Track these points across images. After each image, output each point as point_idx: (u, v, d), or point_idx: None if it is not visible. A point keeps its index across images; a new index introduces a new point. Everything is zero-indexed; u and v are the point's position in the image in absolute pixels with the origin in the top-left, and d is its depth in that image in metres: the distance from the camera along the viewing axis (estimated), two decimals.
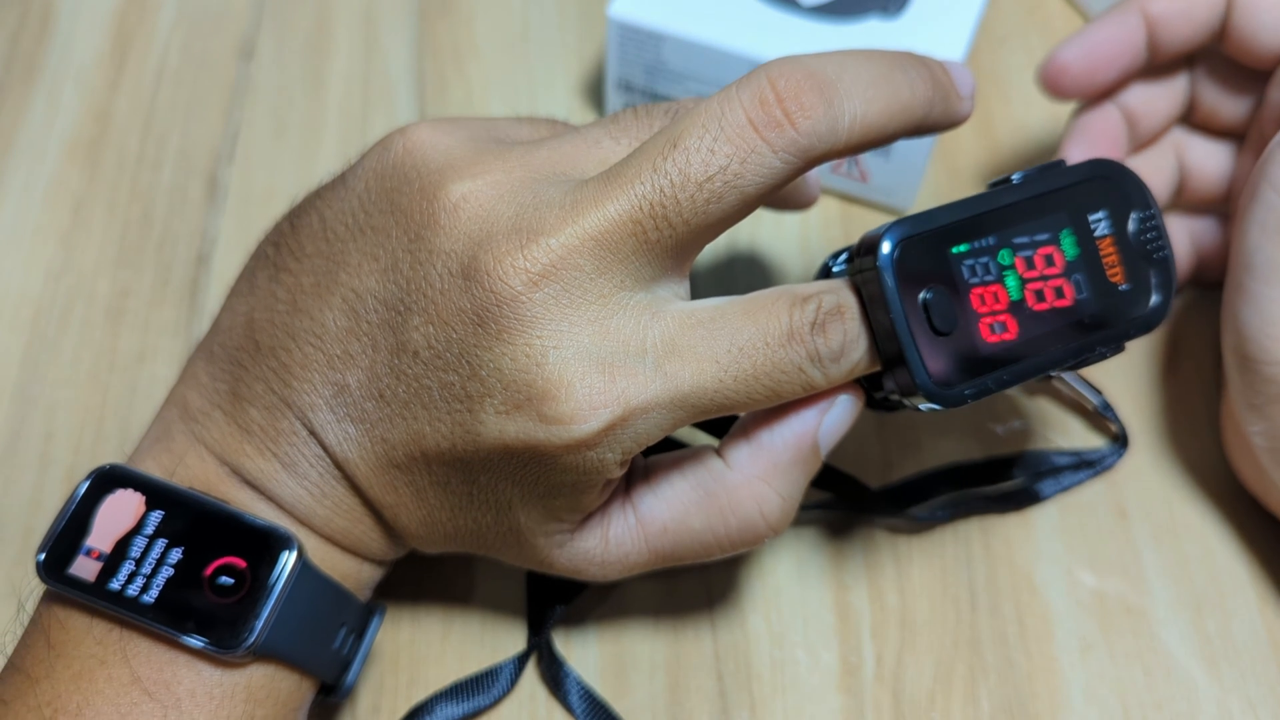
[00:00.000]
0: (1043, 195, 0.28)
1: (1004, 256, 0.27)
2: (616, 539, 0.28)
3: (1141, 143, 0.37)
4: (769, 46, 0.38)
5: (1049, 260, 0.28)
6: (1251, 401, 0.32)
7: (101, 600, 0.25)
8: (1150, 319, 0.29)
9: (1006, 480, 0.36)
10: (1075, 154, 0.35)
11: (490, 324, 0.25)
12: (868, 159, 0.40)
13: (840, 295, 0.27)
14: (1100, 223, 0.28)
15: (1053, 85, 0.35)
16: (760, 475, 0.28)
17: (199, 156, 0.43)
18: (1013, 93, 0.45)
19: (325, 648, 0.28)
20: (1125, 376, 0.38)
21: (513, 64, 0.46)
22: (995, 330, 0.27)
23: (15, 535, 0.35)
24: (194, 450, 0.28)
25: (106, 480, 0.27)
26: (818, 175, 0.32)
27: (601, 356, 0.25)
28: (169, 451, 0.28)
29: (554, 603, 0.33)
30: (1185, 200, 0.38)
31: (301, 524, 0.28)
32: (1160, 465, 0.36)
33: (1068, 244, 0.28)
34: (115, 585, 0.25)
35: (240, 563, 0.26)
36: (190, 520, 0.26)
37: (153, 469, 0.27)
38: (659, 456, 0.29)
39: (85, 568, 0.26)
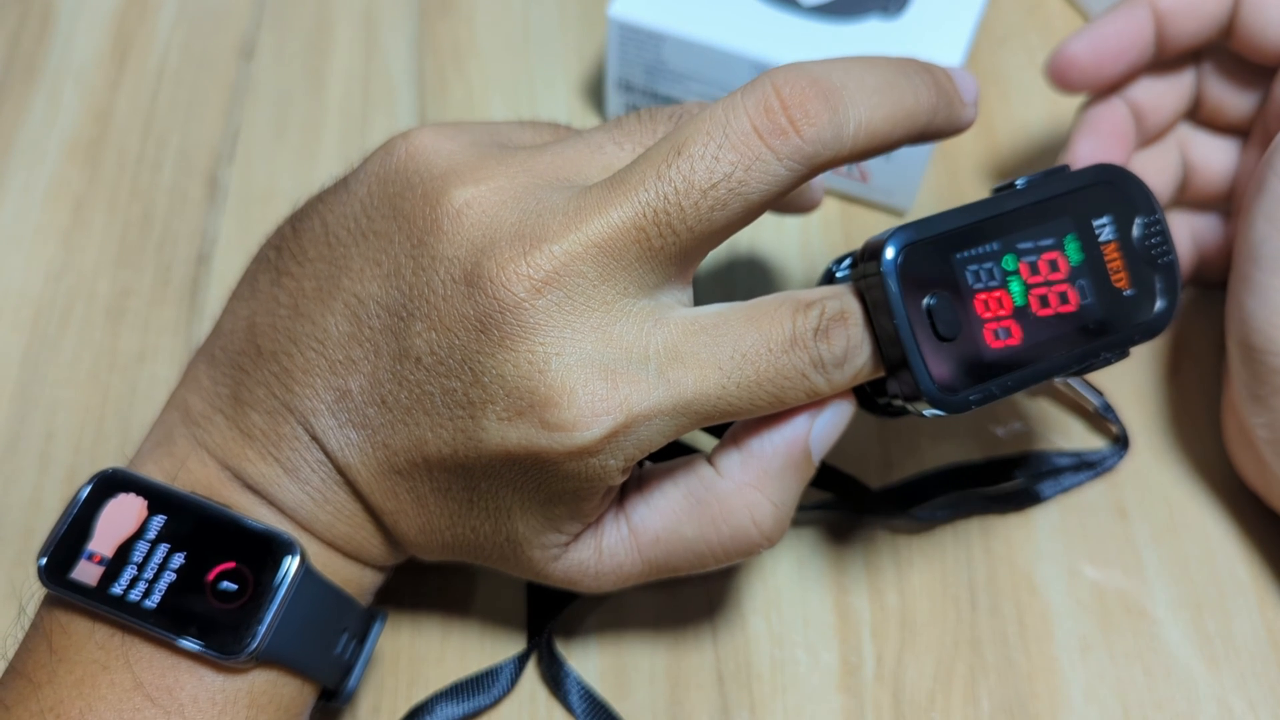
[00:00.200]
0: (1047, 200, 0.28)
1: (1008, 262, 0.27)
2: (610, 550, 0.28)
3: (1147, 138, 0.37)
4: (769, 47, 0.38)
5: (1053, 265, 0.28)
6: (1256, 393, 0.32)
7: (104, 605, 0.25)
8: (1155, 324, 0.29)
9: (1007, 481, 0.36)
10: (1084, 148, 0.35)
11: (493, 330, 0.25)
12: (868, 160, 0.40)
13: (844, 301, 0.26)
14: (1105, 228, 0.28)
15: (1060, 78, 0.35)
16: (752, 482, 0.28)
17: (199, 156, 0.43)
18: (1013, 93, 0.45)
19: (327, 653, 0.28)
20: (1125, 376, 0.38)
21: (513, 64, 0.46)
22: (999, 336, 0.27)
23: (15, 535, 0.35)
24: (195, 454, 0.28)
25: (108, 484, 0.27)
26: (821, 179, 0.32)
27: (604, 363, 0.25)
28: (170, 455, 0.28)
29: (555, 605, 0.33)
30: (1188, 197, 0.38)
31: (303, 529, 0.27)
32: (1161, 465, 0.36)
33: (1072, 249, 0.28)
34: (117, 590, 0.25)
35: (243, 568, 0.26)
36: (192, 525, 0.26)
37: (154, 473, 0.27)
38: (652, 466, 0.29)
39: (87, 572, 0.26)
